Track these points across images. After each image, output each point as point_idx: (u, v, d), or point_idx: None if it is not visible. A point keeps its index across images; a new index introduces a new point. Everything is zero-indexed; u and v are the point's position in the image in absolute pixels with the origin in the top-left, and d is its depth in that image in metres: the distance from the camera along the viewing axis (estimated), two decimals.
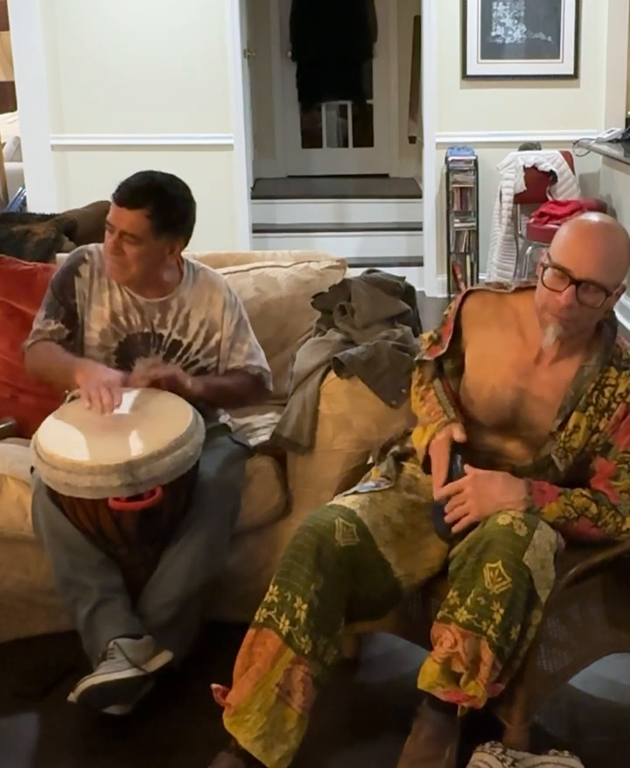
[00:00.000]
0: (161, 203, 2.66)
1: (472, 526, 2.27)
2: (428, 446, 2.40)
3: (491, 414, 2.38)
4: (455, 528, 2.28)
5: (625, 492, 2.29)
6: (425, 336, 2.58)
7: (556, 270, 2.21)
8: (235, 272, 3.24)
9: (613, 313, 2.36)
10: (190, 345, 2.82)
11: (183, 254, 2.83)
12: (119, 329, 2.79)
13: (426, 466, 2.43)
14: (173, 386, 2.65)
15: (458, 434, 2.37)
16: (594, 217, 2.28)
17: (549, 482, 2.31)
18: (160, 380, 2.65)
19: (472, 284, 5.35)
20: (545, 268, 2.25)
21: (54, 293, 2.81)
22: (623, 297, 6.02)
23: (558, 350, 2.32)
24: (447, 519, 2.29)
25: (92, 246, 2.86)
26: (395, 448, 2.56)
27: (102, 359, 2.78)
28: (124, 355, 2.80)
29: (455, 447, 2.37)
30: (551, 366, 2.34)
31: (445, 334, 2.49)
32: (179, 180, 2.75)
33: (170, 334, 2.81)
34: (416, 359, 2.60)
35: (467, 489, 2.27)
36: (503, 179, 6.36)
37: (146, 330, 2.80)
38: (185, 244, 2.79)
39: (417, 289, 4.46)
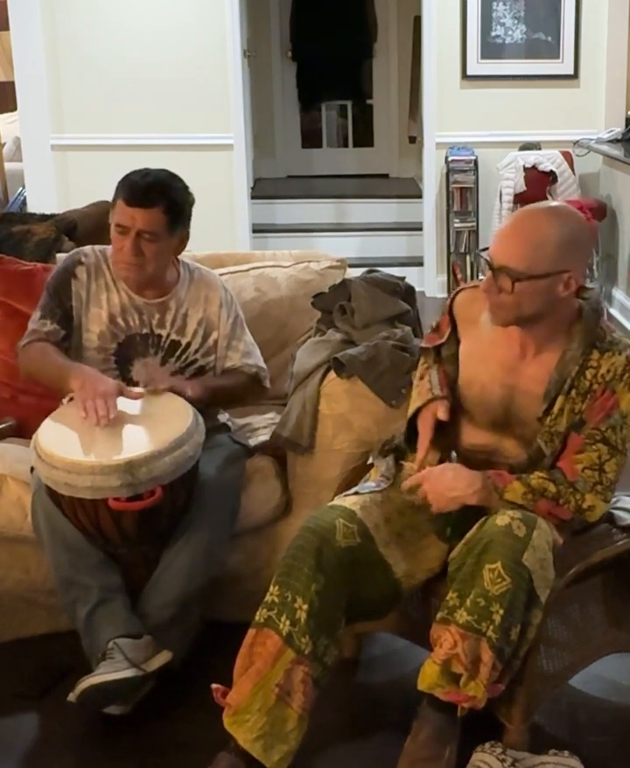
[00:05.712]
0: (172, 198, 2.68)
1: (469, 526, 2.27)
2: (414, 420, 2.45)
3: (482, 411, 2.39)
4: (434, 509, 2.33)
5: (587, 467, 2.27)
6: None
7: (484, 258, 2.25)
8: (235, 272, 3.24)
9: (597, 297, 2.36)
10: (188, 344, 2.82)
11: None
12: (118, 330, 2.79)
13: (409, 438, 2.47)
14: (174, 393, 2.65)
15: (443, 412, 2.39)
16: (536, 205, 2.29)
17: (540, 469, 2.30)
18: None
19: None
20: None
21: (50, 295, 2.80)
22: (623, 296, 6.05)
23: (538, 340, 2.31)
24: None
25: (87, 248, 2.86)
26: (398, 440, 2.57)
27: (101, 361, 2.78)
28: (123, 356, 2.80)
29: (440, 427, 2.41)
30: (536, 358, 2.33)
31: (443, 325, 2.51)
32: (174, 173, 2.76)
33: (168, 334, 2.81)
34: (419, 345, 2.64)
35: (424, 485, 2.31)
36: (503, 179, 6.35)
37: (145, 330, 2.80)
38: (188, 238, 2.79)
39: (417, 289, 4.46)
